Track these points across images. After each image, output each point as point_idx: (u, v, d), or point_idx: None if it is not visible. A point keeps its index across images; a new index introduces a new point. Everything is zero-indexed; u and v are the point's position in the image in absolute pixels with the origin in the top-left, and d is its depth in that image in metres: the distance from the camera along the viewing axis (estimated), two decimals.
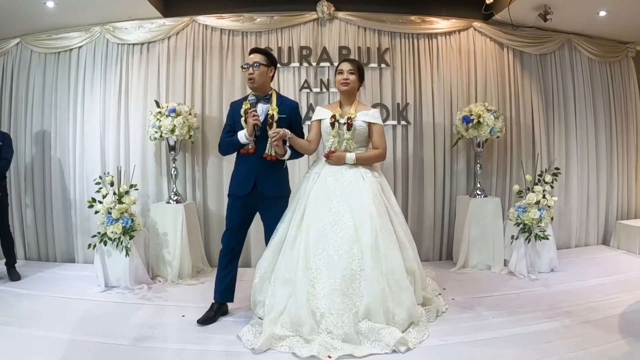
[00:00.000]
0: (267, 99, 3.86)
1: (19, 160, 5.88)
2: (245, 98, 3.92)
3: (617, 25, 5.96)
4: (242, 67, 3.82)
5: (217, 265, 4.03)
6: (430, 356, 3.26)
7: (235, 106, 3.95)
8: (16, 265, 5.25)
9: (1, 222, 5.21)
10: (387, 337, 3.29)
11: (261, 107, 3.83)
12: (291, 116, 3.89)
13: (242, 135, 3.73)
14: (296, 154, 3.91)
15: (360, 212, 3.64)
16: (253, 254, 5.48)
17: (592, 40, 6.34)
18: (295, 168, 5.36)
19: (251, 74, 3.78)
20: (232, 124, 3.90)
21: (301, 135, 3.95)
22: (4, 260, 5.25)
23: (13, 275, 5.13)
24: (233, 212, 3.92)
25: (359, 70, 3.93)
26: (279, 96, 3.94)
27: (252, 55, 3.85)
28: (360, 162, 3.85)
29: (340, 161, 3.83)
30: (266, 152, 3.76)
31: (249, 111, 3.72)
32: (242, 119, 3.79)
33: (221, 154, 4.11)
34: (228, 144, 3.88)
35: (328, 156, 3.86)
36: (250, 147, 3.77)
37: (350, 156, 3.83)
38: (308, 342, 3.29)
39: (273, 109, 3.80)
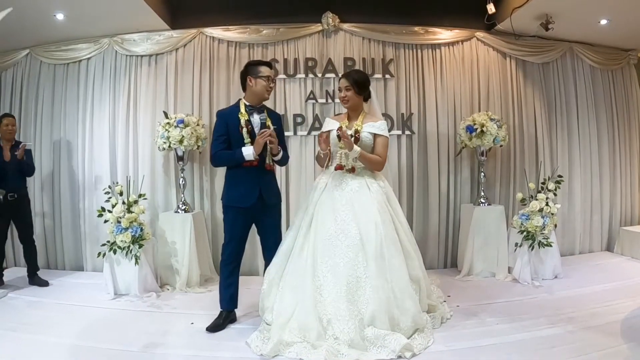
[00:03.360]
0: (260, 110, 3.97)
1: None
2: (237, 107, 3.96)
3: (618, 33, 6.00)
4: (264, 77, 3.88)
5: None
6: None
7: (226, 116, 3.95)
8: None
9: (27, 230, 5.40)
10: (392, 343, 3.34)
11: (256, 117, 3.94)
12: (279, 127, 4.06)
13: (250, 153, 3.77)
14: (283, 160, 4.10)
15: (365, 221, 3.70)
16: (260, 263, 5.51)
17: (593, 48, 6.39)
18: (301, 175, 5.45)
19: (272, 87, 3.95)
20: (225, 134, 3.89)
21: (284, 144, 4.13)
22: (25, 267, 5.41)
23: (40, 282, 5.29)
24: (235, 224, 3.97)
25: (356, 84, 3.92)
26: (267, 108, 4.08)
27: (269, 69, 3.95)
28: (361, 158, 3.85)
29: (350, 146, 3.78)
30: (267, 161, 3.88)
31: (262, 131, 3.78)
32: (245, 130, 3.84)
33: (214, 165, 4.18)
34: (229, 158, 3.89)
35: (341, 136, 3.79)
36: (255, 160, 3.84)
37: (356, 149, 3.80)
38: (315, 347, 3.35)
39: (268, 119, 3.96)
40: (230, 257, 4.01)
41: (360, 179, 3.90)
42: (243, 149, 3.81)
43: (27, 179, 5.47)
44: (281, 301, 3.69)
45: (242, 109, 3.91)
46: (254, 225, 4.09)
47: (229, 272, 4.02)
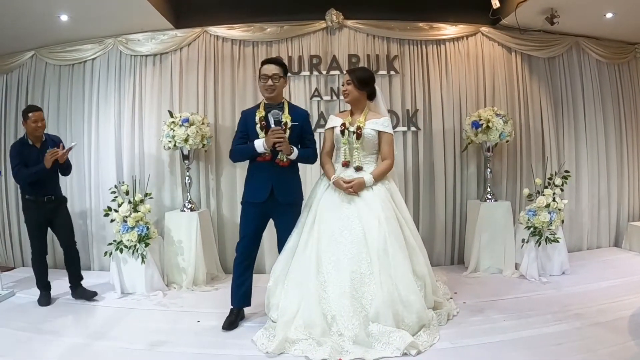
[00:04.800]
0: (279, 108, 3.93)
1: None
2: (257, 106, 4.00)
3: (624, 27, 5.95)
4: (260, 77, 3.88)
5: (231, 272, 4.10)
6: (441, 359, 3.31)
7: (248, 115, 4.01)
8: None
9: (66, 234, 4.86)
10: (397, 340, 3.34)
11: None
12: (303, 124, 3.97)
13: (260, 145, 3.78)
14: (304, 159, 4.02)
15: (368, 217, 3.71)
16: (267, 261, 5.53)
17: (599, 42, 6.34)
18: (307, 175, 5.44)
19: (271, 85, 3.86)
20: (245, 132, 3.94)
21: (312, 143, 4.04)
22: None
23: (86, 294, 4.75)
24: (248, 220, 3.98)
25: (357, 79, 3.92)
26: (290, 105, 4.03)
27: (270, 67, 3.88)
28: (377, 180, 3.86)
29: (362, 187, 3.81)
30: (278, 157, 3.84)
31: (274, 130, 3.74)
32: (258, 126, 3.86)
33: (232, 160, 4.15)
34: (242, 151, 3.94)
35: (350, 188, 3.80)
36: (267, 154, 3.83)
37: (369, 179, 3.82)
38: (320, 344, 3.35)
39: (286, 116, 3.90)
40: (242, 255, 4.00)
41: (363, 176, 3.87)
42: (255, 141, 3.83)
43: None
44: (286, 298, 3.71)
45: (261, 107, 3.95)
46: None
47: (241, 270, 4.02)
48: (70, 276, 4.81)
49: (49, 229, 4.83)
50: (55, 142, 4.73)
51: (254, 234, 4.01)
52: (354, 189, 3.80)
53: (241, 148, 3.94)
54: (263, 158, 3.85)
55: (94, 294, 4.71)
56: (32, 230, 4.72)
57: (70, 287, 4.81)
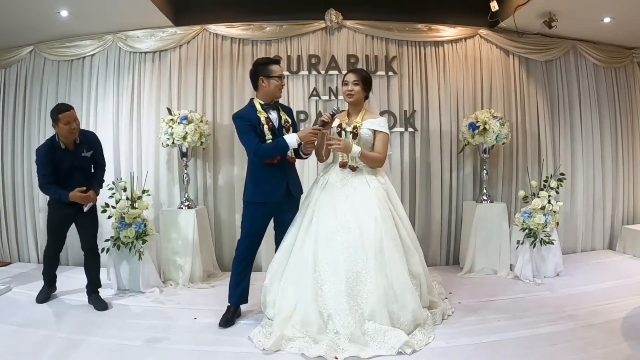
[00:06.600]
0: (274, 107, 4.01)
1: (32, 165, 5.96)
2: (252, 107, 3.96)
3: (621, 31, 5.98)
4: (275, 77, 3.89)
5: (228, 269, 4.12)
6: (436, 358, 3.33)
7: (246, 115, 3.93)
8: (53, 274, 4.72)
9: (86, 236, 4.59)
10: (392, 339, 3.37)
11: (274, 115, 3.98)
12: (293, 120, 4.15)
13: (294, 141, 3.81)
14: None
15: (365, 217, 3.73)
16: (263, 259, 5.52)
17: (597, 47, 6.37)
18: (305, 172, 5.46)
19: (283, 84, 4.00)
20: (254, 130, 3.86)
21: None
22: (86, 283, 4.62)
23: (98, 304, 4.43)
24: (257, 219, 4.00)
25: (364, 81, 3.96)
26: (280, 104, 4.13)
27: (280, 67, 3.98)
28: (362, 158, 3.88)
29: (347, 150, 3.84)
30: (288, 154, 3.92)
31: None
32: (266, 127, 3.86)
33: (259, 160, 3.91)
34: (273, 150, 3.84)
35: (338, 144, 3.83)
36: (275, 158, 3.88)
37: (356, 149, 3.84)
38: (316, 342, 3.38)
39: (283, 113, 4.04)
40: (245, 253, 4.03)
41: (360, 176, 3.92)
42: (285, 137, 3.85)
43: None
44: (283, 297, 3.73)
45: (259, 108, 3.94)
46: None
47: (242, 268, 4.05)
48: (87, 281, 4.57)
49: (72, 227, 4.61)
50: (91, 141, 4.44)
51: (260, 233, 4.05)
52: (341, 146, 3.82)
53: (271, 147, 3.84)
54: (271, 161, 3.87)
55: (106, 307, 4.38)
56: (52, 230, 4.53)
57: (87, 292, 4.56)
